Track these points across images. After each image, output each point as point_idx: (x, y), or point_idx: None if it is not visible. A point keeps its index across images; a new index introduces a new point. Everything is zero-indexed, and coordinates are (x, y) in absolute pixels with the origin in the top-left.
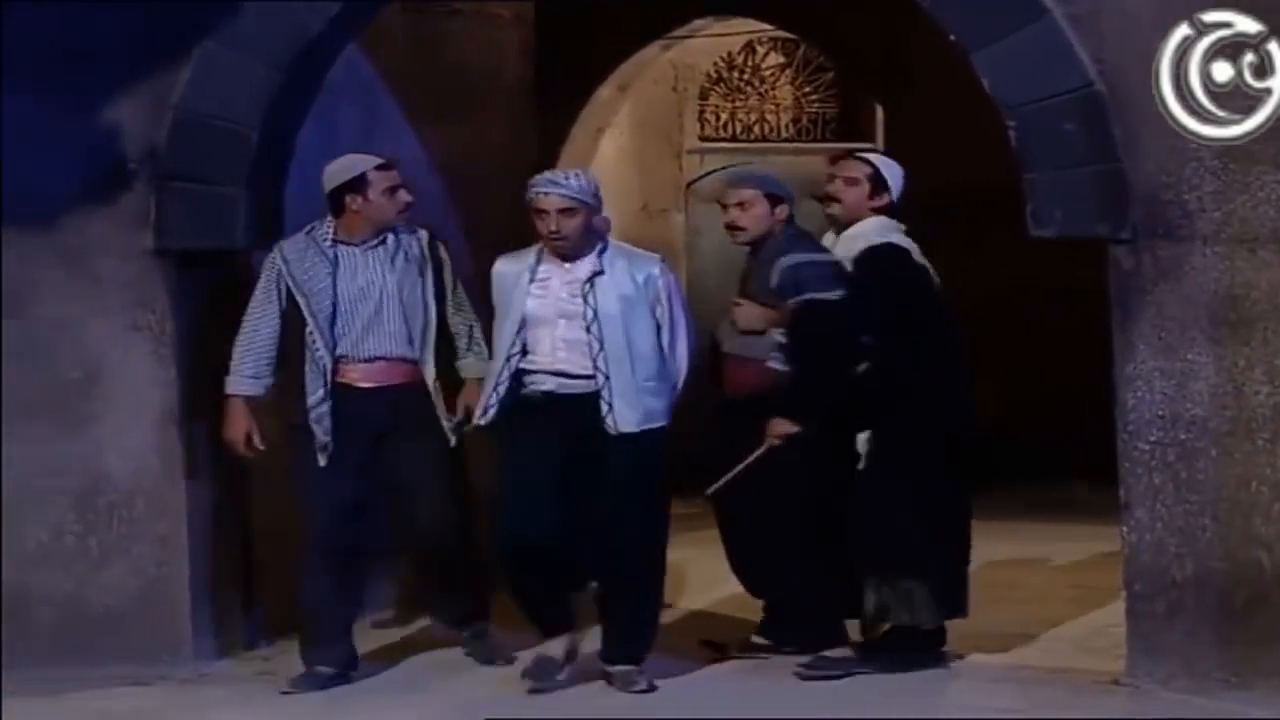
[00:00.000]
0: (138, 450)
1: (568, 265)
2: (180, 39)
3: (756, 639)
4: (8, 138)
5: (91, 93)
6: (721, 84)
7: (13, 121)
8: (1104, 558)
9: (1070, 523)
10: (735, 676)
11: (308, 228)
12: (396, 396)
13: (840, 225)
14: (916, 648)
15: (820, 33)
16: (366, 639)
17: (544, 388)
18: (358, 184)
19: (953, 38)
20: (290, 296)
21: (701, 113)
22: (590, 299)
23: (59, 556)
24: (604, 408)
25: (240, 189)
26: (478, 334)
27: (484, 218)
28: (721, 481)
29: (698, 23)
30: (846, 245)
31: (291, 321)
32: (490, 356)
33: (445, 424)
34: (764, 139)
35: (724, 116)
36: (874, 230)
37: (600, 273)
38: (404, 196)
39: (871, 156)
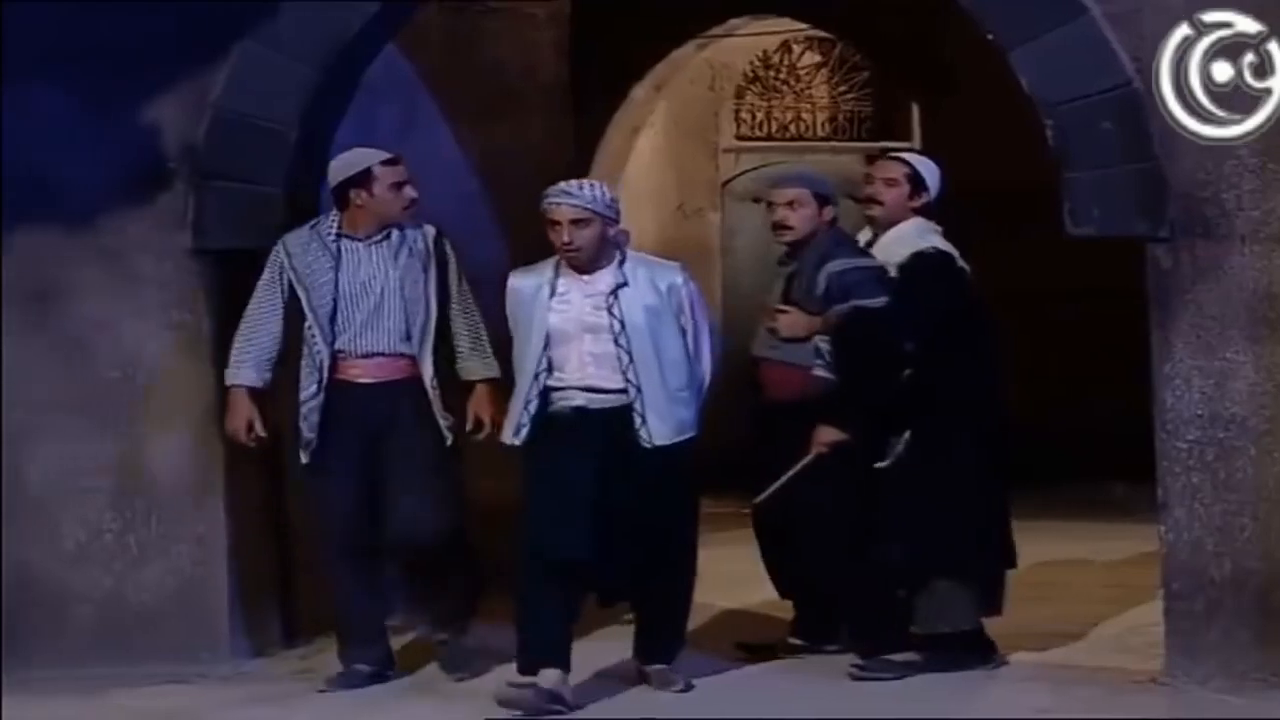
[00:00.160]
0: (176, 449)
1: (587, 278)
2: (219, 38)
3: (793, 640)
4: (47, 137)
5: (130, 92)
6: (758, 83)
7: (51, 121)
8: (1141, 557)
9: (1107, 522)
10: (772, 677)
11: (312, 221)
12: (395, 393)
13: (880, 226)
14: (969, 648)
15: (857, 32)
16: (400, 638)
17: (574, 403)
18: (362, 179)
19: (990, 36)
20: (293, 290)
21: (737, 112)
22: (615, 311)
23: (97, 555)
24: (637, 420)
25: (278, 188)
26: (482, 335)
27: (520, 217)
28: (768, 491)
29: (734, 22)
30: (887, 248)
31: (293, 315)
32: (493, 356)
33: (441, 422)
34: (800, 138)
35: (760, 116)
36: (915, 233)
37: (624, 284)
38: (409, 192)
39: (908, 156)
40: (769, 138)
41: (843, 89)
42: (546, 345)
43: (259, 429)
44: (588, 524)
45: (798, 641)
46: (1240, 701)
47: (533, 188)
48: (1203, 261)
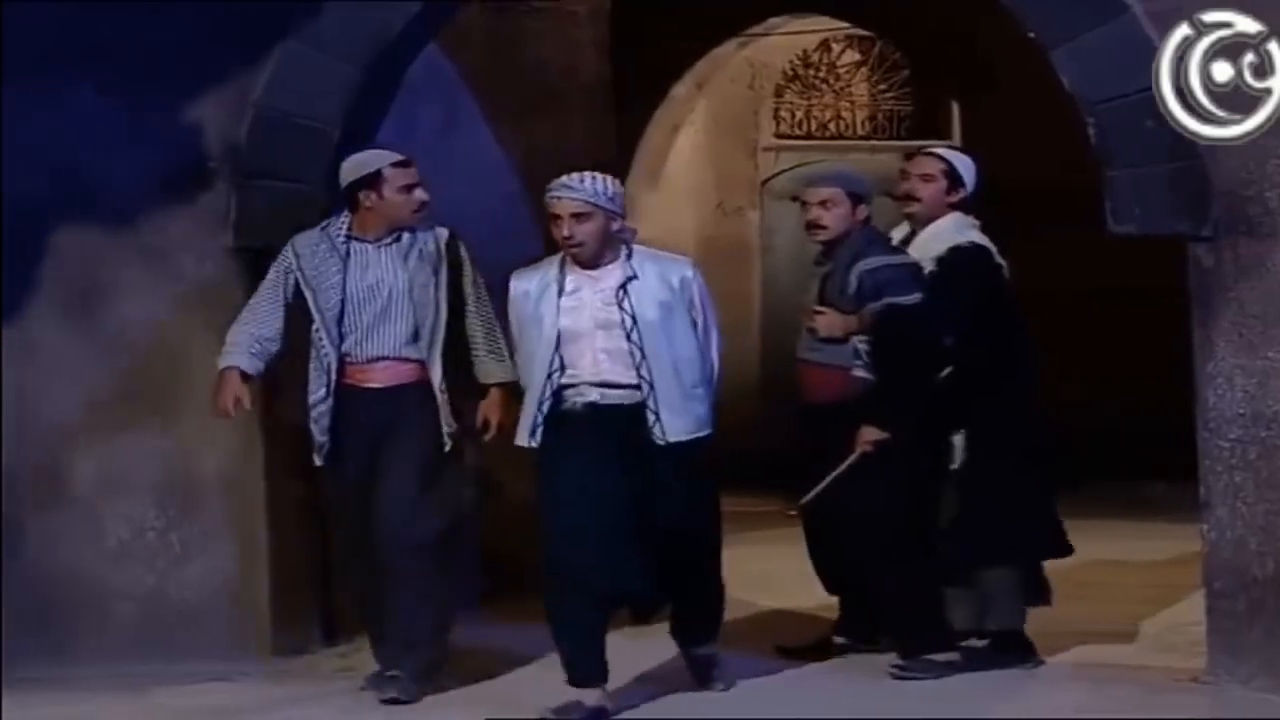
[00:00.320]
0: (218, 447)
1: (595, 273)
2: (261, 38)
3: (837, 639)
4: (90, 137)
5: (173, 92)
6: (797, 81)
7: (94, 120)
8: (1182, 556)
9: (1148, 521)
10: (812, 677)
11: (324, 223)
12: (401, 397)
13: (918, 223)
14: (1009, 648)
15: (896, 30)
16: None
17: (587, 399)
18: (372, 180)
19: (1031, 35)
20: (299, 291)
21: (777, 110)
22: (626, 306)
23: (140, 552)
24: (650, 417)
25: (320, 188)
26: (498, 337)
27: None
28: (813, 493)
29: (774, 20)
30: (925, 244)
31: (300, 317)
32: (510, 360)
33: (445, 428)
34: (839, 137)
35: (799, 114)
36: (953, 228)
37: (633, 278)
38: (419, 195)
39: (944, 151)
40: (808, 136)
41: (882, 87)
42: (558, 344)
43: (247, 403)
44: (610, 543)
45: (842, 640)
46: None
47: None
48: (1245, 260)
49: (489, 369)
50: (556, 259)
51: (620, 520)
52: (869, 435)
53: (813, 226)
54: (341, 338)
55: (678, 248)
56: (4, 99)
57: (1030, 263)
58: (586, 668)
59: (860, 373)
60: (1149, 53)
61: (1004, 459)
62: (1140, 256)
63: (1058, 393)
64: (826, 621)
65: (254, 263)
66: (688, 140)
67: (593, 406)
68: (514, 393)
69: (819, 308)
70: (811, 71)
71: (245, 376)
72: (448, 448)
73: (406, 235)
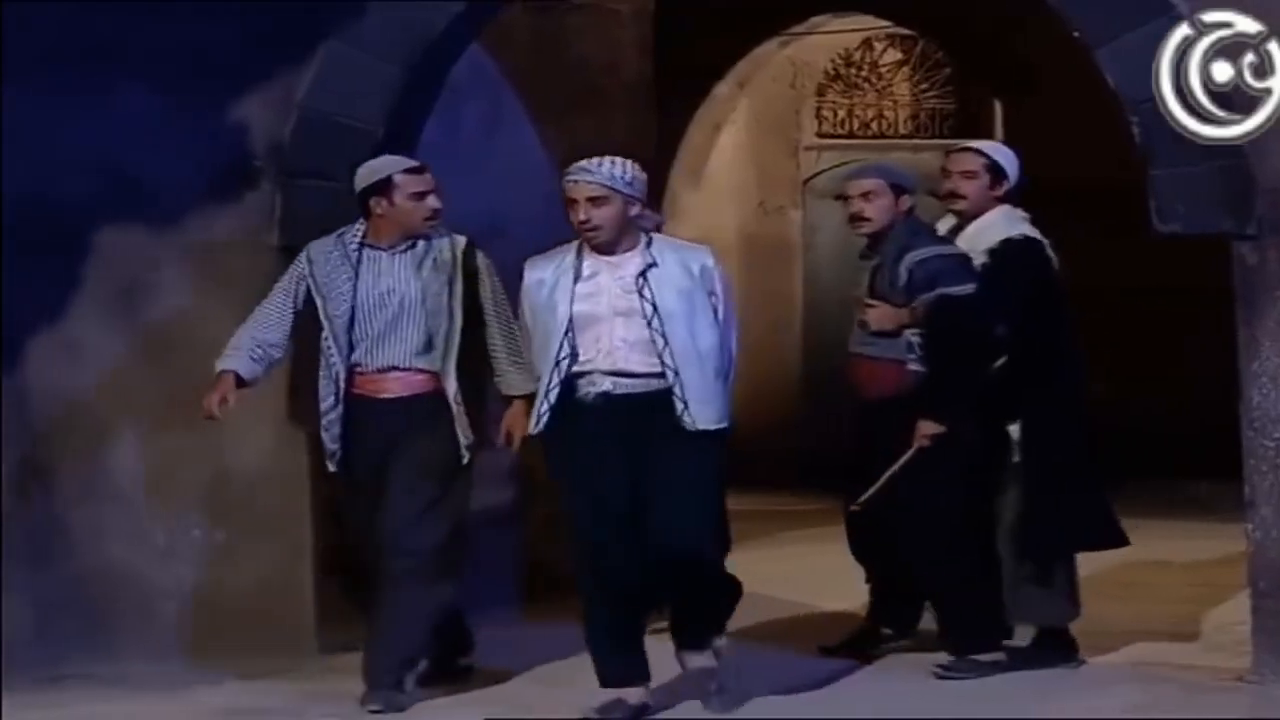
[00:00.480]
0: (262, 446)
1: (614, 259)
2: (305, 38)
3: (882, 629)
4: (136, 136)
5: (217, 91)
6: (839, 80)
7: (140, 120)
8: (1227, 555)
9: (1192, 520)
10: (858, 677)
11: (340, 230)
12: (412, 408)
13: (965, 219)
14: (1053, 647)
15: (939, 29)
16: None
17: (600, 388)
18: (383, 187)
19: (1075, 34)
20: (309, 298)
21: (819, 109)
22: (647, 294)
23: (185, 551)
24: (679, 406)
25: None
26: (520, 347)
27: None
28: (872, 490)
29: (816, 19)
30: (974, 237)
31: (310, 325)
32: (534, 368)
33: (461, 440)
34: (881, 136)
35: (841, 113)
36: (1003, 221)
37: (653, 265)
38: (431, 202)
39: (983, 146)
40: (850, 135)
41: (924, 86)
42: (569, 330)
43: (232, 401)
44: (626, 542)
45: (886, 630)
46: None
47: None
48: None
49: (511, 380)
50: (573, 245)
51: (627, 516)
52: (926, 429)
53: (856, 219)
54: (351, 346)
55: (720, 246)
56: (57, 101)
57: (1075, 261)
58: (618, 667)
59: (914, 366)
60: None
61: (1058, 451)
62: (1186, 255)
63: (1100, 391)
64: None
65: None
66: (729, 139)
67: (605, 396)
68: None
69: (870, 301)
70: (853, 70)
71: (240, 381)
72: (465, 459)
73: (421, 243)
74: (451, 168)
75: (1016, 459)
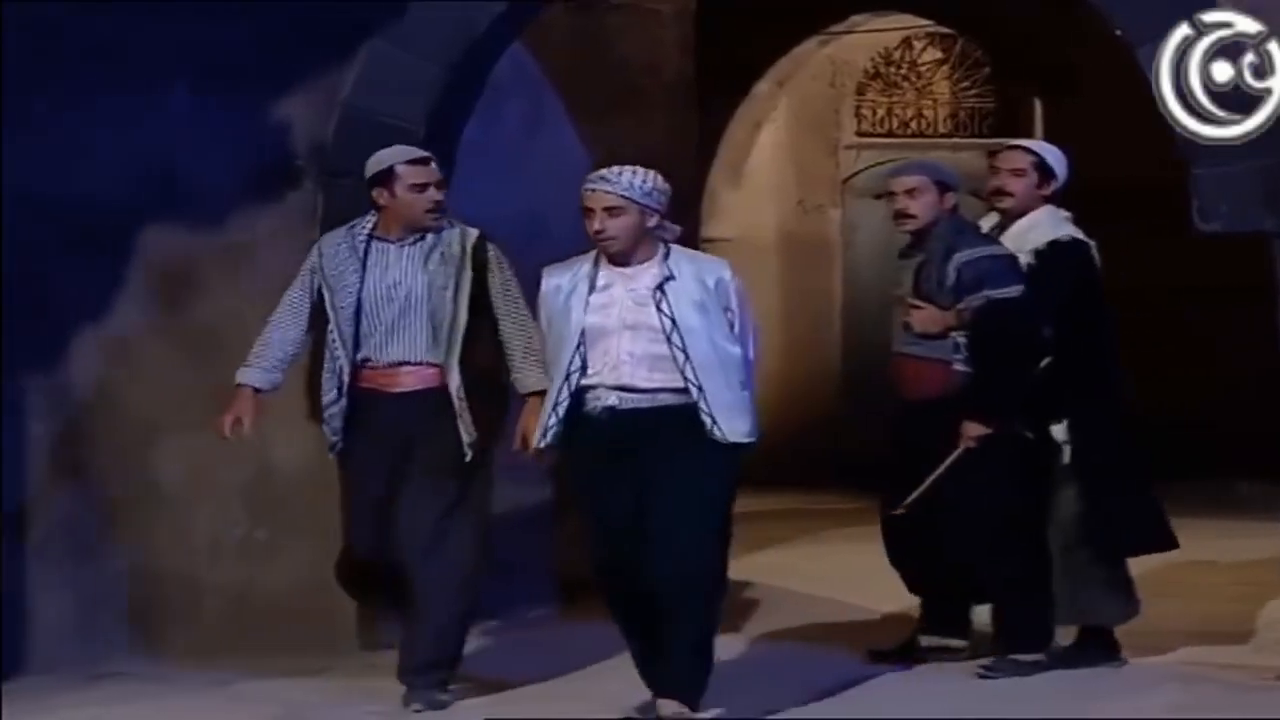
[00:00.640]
0: (304, 443)
1: (630, 271)
2: (348, 37)
3: (923, 640)
4: (179, 136)
5: (260, 91)
6: (879, 79)
7: (183, 119)
8: (1271, 555)
9: (1235, 519)
10: (901, 678)
11: (352, 222)
12: (423, 403)
13: (1010, 217)
14: (1096, 646)
15: (978, 28)
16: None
17: (605, 403)
18: (385, 178)
19: (1117, 33)
20: (321, 292)
21: (858, 108)
22: (665, 307)
23: (228, 549)
24: (707, 421)
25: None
26: (535, 343)
27: None
28: (917, 493)
29: (855, 18)
30: (1020, 237)
31: (322, 319)
32: (545, 368)
33: (464, 436)
34: (921, 134)
35: (881, 112)
36: (1050, 221)
37: (670, 278)
38: (432, 195)
39: (1032, 144)
40: (890, 134)
41: (964, 85)
42: (581, 343)
43: (247, 425)
44: (634, 560)
45: (929, 640)
46: None
47: None
48: None
49: (525, 377)
50: (591, 255)
51: (632, 530)
52: (972, 430)
53: (900, 216)
54: (358, 340)
55: (759, 245)
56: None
57: (1115, 261)
58: (651, 679)
59: (960, 367)
60: None
61: (1102, 452)
62: (1227, 254)
63: (1144, 391)
64: (913, 620)
65: None
66: (769, 138)
67: (611, 411)
68: None
69: (915, 302)
70: (893, 69)
71: (258, 392)
72: (468, 458)
73: (431, 235)
74: (492, 167)
75: (1065, 460)
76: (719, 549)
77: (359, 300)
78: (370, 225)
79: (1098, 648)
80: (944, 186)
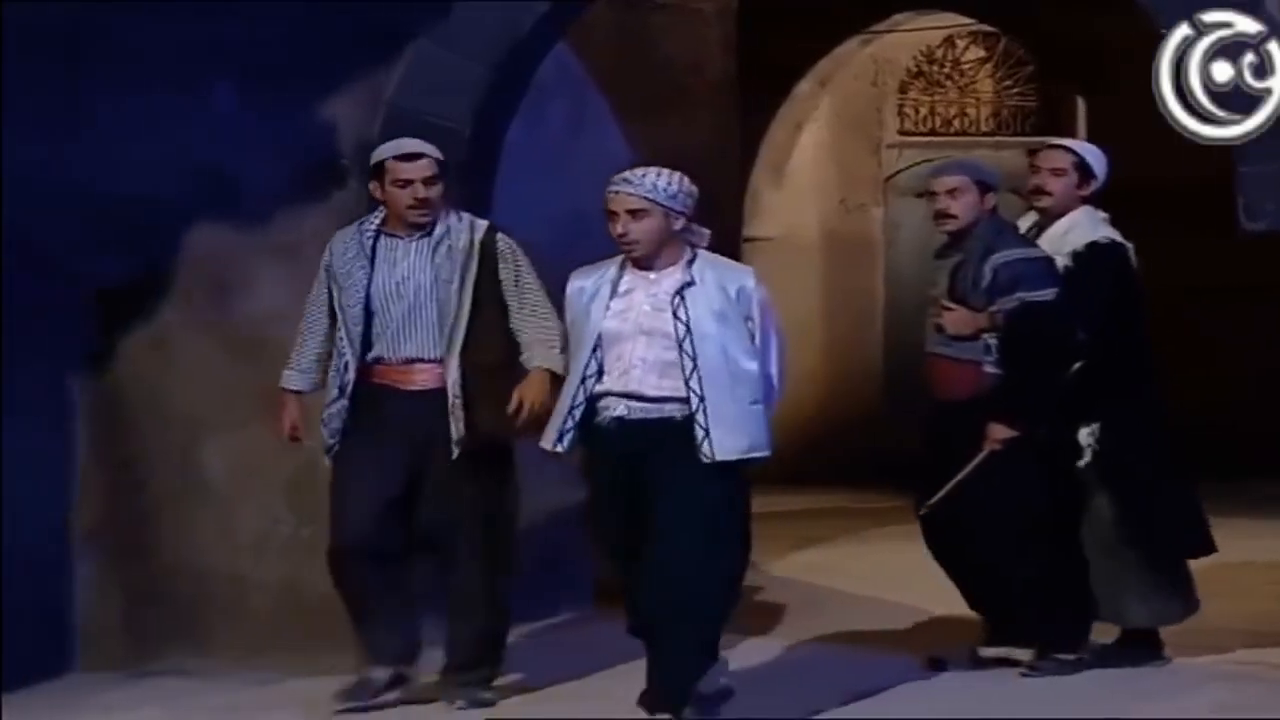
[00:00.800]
0: None
1: (653, 275)
2: (393, 37)
3: (985, 652)
4: (225, 135)
5: (306, 90)
6: (921, 78)
7: (229, 119)
8: None
9: (1273, 519)
10: (946, 677)
11: (362, 219)
12: (442, 400)
13: (1049, 216)
14: (1140, 645)
15: (1021, 26)
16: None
17: (614, 413)
18: (378, 171)
19: (1163, 32)
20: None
21: (901, 107)
22: (681, 313)
23: (274, 545)
24: (699, 433)
25: (451, 184)
26: (549, 331)
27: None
28: (940, 495)
29: (898, 17)
30: (1058, 238)
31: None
32: (564, 353)
33: (453, 433)
34: (963, 133)
35: (923, 111)
36: (1088, 222)
37: (690, 284)
38: (417, 191)
39: (1073, 144)
40: (932, 133)
41: (1007, 83)
42: (597, 347)
43: (301, 428)
44: (635, 576)
45: (993, 652)
46: None
47: (701, 184)
48: None
49: (533, 354)
50: (619, 258)
51: (627, 547)
52: (998, 433)
53: (941, 216)
54: (367, 338)
55: (801, 244)
56: (147, 101)
57: (1158, 261)
58: (662, 693)
59: (990, 368)
60: None
61: (1140, 455)
62: (1270, 253)
63: (1177, 391)
64: (958, 621)
65: None
66: (811, 137)
67: (619, 421)
68: (558, 384)
69: (948, 303)
70: (935, 68)
71: (300, 394)
72: (453, 456)
73: (439, 228)
74: (536, 166)
75: (1084, 461)
76: (716, 570)
77: (368, 297)
78: (378, 221)
79: (1141, 647)
80: (985, 187)
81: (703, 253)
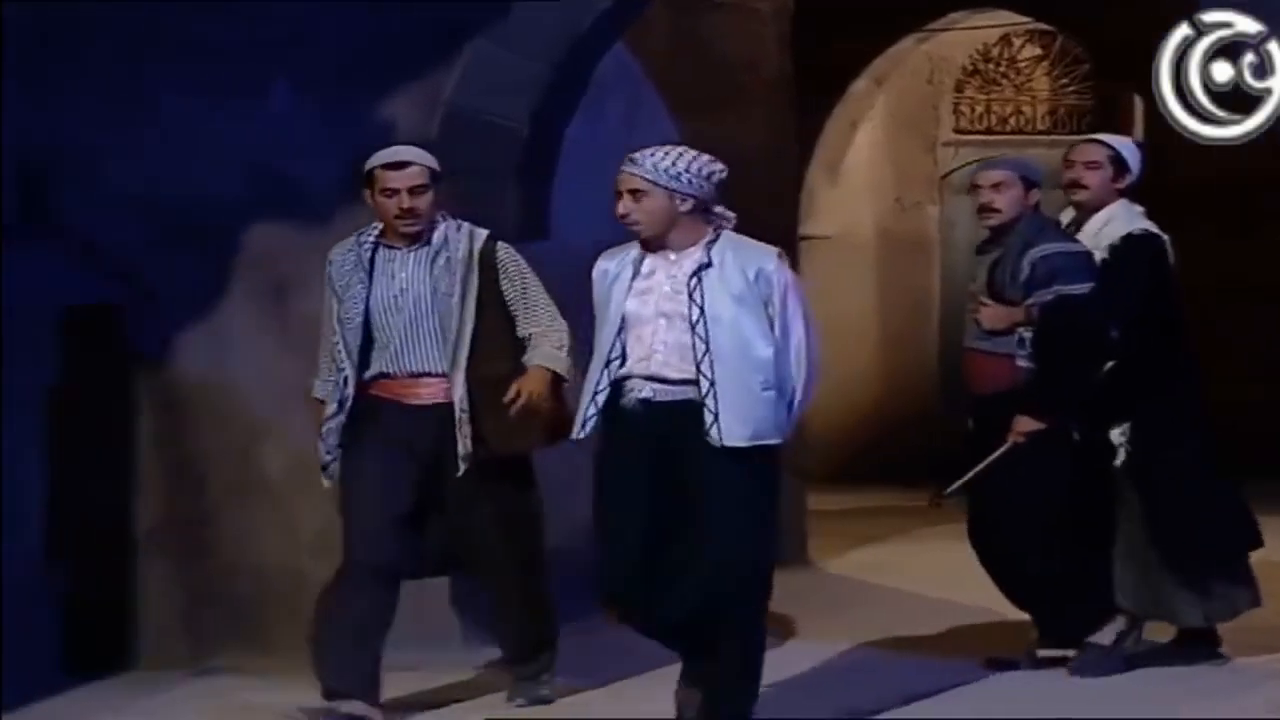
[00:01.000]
0: None
1: (673, 257)
2: (452, 36)
3: (1041, 653)
4: (284, 136)
5: (365, 89)
6: (977, 76)
7: (288, 120)
8: None
9: None
10: (996, 676)
11: (361, 230)
12: (449, 414)
13: (1086, 211)
14: (1202, 644)
15: (1078, 25)
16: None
17: (640, 395)
18: (369, 180)
19: None
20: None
21: (956, 105)
22: (696, 295)
23: (332, 544)
24: (708, 418)
25: (510, 183)
26: (555, 336)
27: (743, 212)
28: (958, 483)
29: (954, 15)
30: (1097, 232)
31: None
32: (568, 356)
33: (460, 449)
34: (1019, 131)
35: (979, 109)
36: (1125, 215)
37: (708, 265)
38: (403, 201)
39: (1108, 138)
40: (988, 131)
41: (1063, 82)
42: (621, 329)
43: (321, 455)
44: (636, 561)
45: (1048, 652)
46: None
47: (756, 182)
48: None
49: (531, 356)
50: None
51: (642, 530)
52: (1023, 426)
53: (985, 210)
54: (365, 351)
55: (857, 242)
56: (207, 101)
57: (1214, 259)
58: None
59: (1023, 362)
60: None
61: (1174, 453)
62: None
63: (1221, 390)
64: (1016, 621)
65: None
66: (866, 136)
67: (646, 404)
68: (560, 385)
69: (985, 299)
70: (991, 66)
71: None
72: (460, 472)
73: (436, 238)
74: (594, 164)
75: (1119, 460)
76: (751, 564)
77: (366, 310)
78: (376, 232)
79: (1198, 645)
80: (1029, 183)
81: (727, 234)
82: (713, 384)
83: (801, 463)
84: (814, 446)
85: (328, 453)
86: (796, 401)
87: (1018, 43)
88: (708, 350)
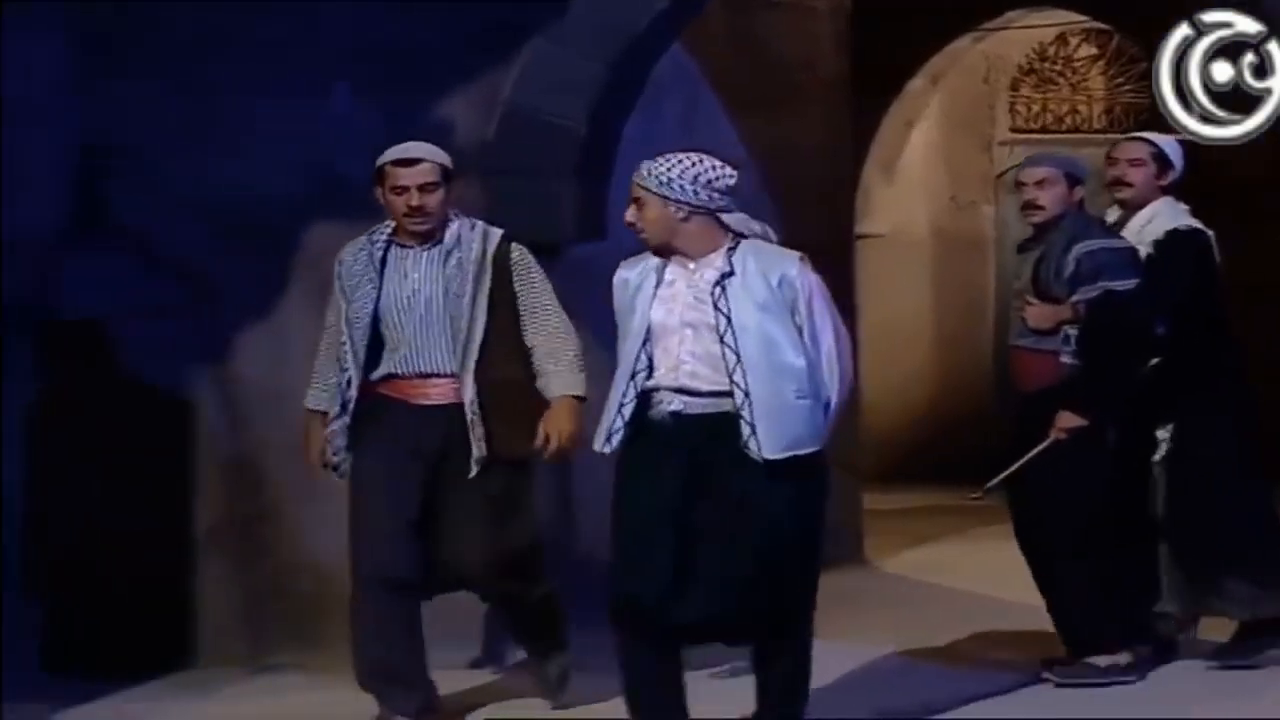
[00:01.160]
0: None
1: (694, 265)
2: (510, 37)
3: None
4: (341, 136)
5: (424, 90)
6: (1033, 75)
7: (346, 119)
8: None
9: None
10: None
11: (373, 229)
12: (455, 417)
13: (1130, 208)
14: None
15: (1134, 23)
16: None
17: (670, 407)
18: (379, 177)
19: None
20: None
21: (1012, 104)
22: (721, 304)
23: None
24: (745, 430)
25: (568, 182)
26: (563, 350)
27: (800, 211)
28: (998, 479)
29: (1010, 14)
30: (1141, 229)
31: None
32: (580, 371)
33: (475, 452)
34: (1075, 130)
35: (1035, 108)
36: (1169, 212)
37: (730, 274)
38: (412, 198)
39: (1151, 135)
40: (1044, 130)
41: (1119, 81)
42: (647, 340)
43: (328, 456)
44: (668, 565)
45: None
46: None
47: (813, 181)
48: None
49: (551, 381)
50: None
51: (673, 537)
52: (1065, 421)
53: (1029, 207)
54: (374, 353)
55: (911, 241)
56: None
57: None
58: (654, 711)
59: (1068, 358)
60: None
61: (1219, 451)
62: None
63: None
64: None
65: None
66: (921, 135)
67: (675, 416)
68: (583, 407)
69: (1030, 299)
70: (1047, 65)
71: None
72: (471, 474)
73: (449, 237)
74: None
75: (1158, 456)
76: (812, 570)
77: (376, 311)
78: (388, 231)
79: (1262, 636)
80: (1073, 180)
81: (747, 240)
82: (747, 395)
83: (857, 462)
84: (869, 446)
85: (334, 454)
86: (832, 405)
87: (1074, 42)
88: (739, 360)
